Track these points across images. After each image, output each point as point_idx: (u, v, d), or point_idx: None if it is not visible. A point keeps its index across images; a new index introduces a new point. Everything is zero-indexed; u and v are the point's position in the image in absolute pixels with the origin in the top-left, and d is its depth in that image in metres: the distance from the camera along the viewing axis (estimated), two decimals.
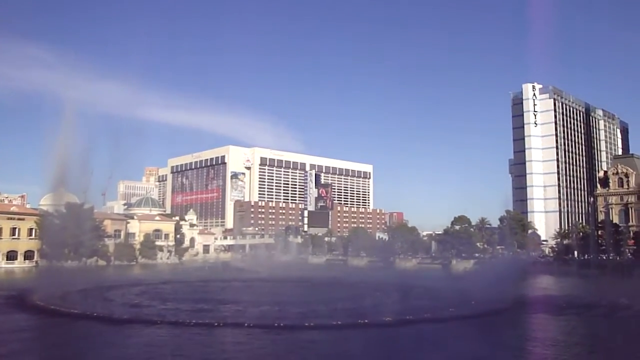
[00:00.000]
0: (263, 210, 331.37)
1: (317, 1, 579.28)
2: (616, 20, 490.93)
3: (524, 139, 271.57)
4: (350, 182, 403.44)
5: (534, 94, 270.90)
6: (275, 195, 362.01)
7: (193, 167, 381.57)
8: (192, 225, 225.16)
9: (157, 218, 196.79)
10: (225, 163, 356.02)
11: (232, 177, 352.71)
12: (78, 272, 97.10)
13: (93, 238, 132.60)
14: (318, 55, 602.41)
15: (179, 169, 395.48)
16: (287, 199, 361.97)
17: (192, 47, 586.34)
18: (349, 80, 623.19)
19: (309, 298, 67.17)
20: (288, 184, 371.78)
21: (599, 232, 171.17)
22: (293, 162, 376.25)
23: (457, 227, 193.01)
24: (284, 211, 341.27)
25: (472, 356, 37.51)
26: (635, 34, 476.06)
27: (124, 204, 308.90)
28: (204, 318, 48.97)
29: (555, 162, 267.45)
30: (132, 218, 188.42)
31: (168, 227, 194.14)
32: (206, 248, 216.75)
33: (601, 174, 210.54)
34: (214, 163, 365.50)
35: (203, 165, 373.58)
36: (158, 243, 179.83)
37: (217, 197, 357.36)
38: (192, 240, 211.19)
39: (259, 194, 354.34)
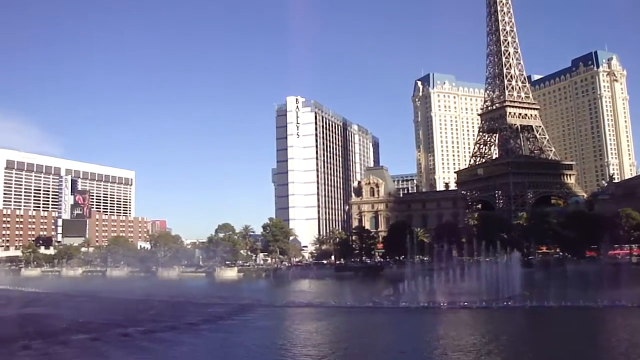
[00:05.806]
0: (9, 219, 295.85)
1: None
2: (373, 45, 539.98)
3: (286, 149, 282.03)
4: (111, 189, 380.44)
5: (297, 107, 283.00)
6: (25, 202, 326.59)
7: None
8: None
9: None
10: None
11: None
12: None
13: None
14: (77, 54, 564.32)
15: None
16: (39, 207, 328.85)
17: None
18: (109, 83, 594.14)
19: None
20: (40, 190, 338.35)
21: (353, 237, 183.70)
22: (46, 167, 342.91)
23: (221, 235, 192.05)
24: (34, 220, 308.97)
25: None
26: (385, 60, 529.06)
27: None
28: None
29: (315, 172, 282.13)
30: None
31: None
32: None
33: (355, 184, 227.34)
34: None
35: None
36: None
37: None
38: None
39: (5, 201, 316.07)
